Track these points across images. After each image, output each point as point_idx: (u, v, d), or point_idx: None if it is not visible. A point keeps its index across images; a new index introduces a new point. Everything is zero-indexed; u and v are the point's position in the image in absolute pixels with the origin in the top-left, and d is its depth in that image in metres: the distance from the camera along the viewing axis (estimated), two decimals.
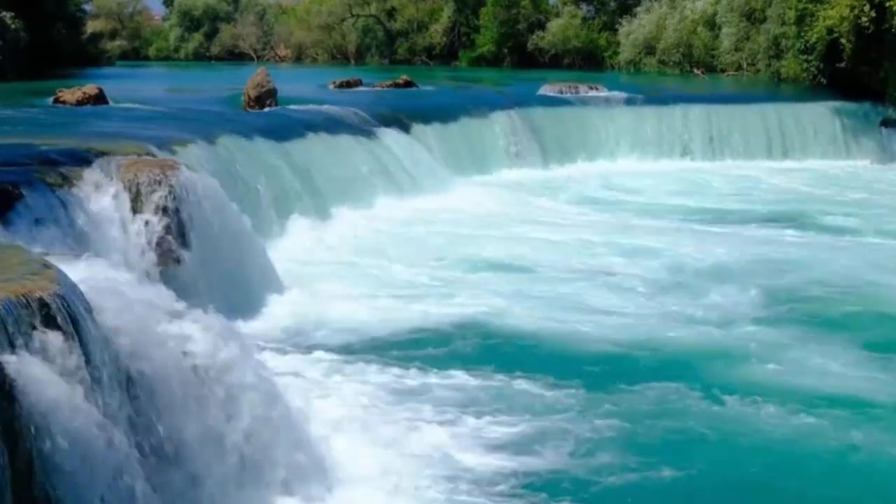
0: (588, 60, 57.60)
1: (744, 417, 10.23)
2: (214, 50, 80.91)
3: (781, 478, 8.99)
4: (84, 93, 24.33)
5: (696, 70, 50.08)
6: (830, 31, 32.31)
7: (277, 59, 75.83)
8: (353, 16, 69.25)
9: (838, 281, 15.82)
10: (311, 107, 25.32)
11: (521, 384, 11.14)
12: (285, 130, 21.40)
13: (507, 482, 8.82)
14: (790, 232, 20.41)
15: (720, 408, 10.49)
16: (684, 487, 8.76)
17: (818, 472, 9.08)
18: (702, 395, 10.78)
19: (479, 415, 10.25)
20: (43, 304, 6.73)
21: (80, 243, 11.20)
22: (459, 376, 11.41)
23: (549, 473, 9.00)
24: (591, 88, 34.00)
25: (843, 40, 32.00)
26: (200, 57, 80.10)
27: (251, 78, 26.05)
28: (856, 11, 30.84)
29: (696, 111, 31.46)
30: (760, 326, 13.39)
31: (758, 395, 10.70)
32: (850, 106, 32.04)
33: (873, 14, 30.47)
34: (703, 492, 8.77)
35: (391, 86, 34.73)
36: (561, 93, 33.32)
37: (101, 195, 12.26)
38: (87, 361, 6.87)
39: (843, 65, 32.56)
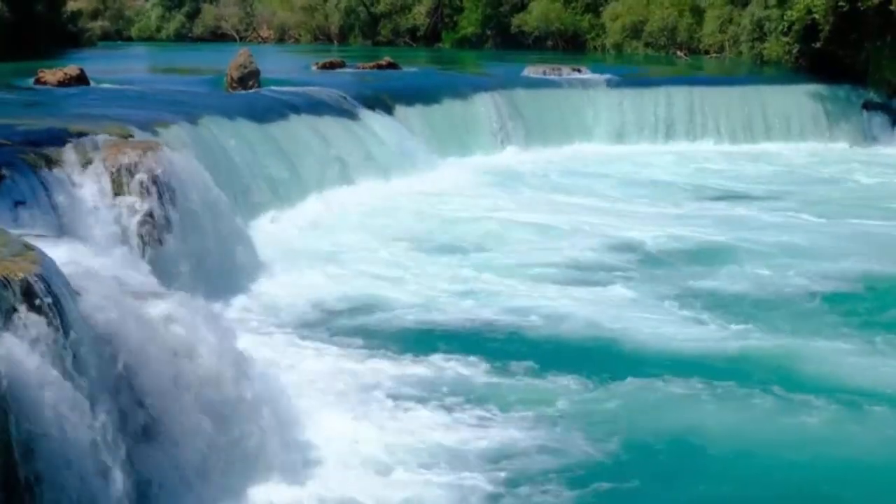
0: (571, 43, 57.51)
1: None
2: (196, 31, 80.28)
3: None
4: (65, 73, 24.22)
5: (679, 52, 50.17)
6: (809, 11, 32.28)
7: (260, 39, 75.28)
8: None
9: None
10: (294, 88, 25.23)
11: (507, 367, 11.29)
12: (268, 112, 21.35)
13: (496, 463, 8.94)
14: None
15: None
16: None
17: None
18: None
19: (448, 396, 10.32)
20: (24, 286, 6.75)
21: (62, 225, 11.20)
22: (437, 356, 11.50)
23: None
24: (575, 70, 34.03)
25: (818, 18, 31.88)
26: (182, 38, 79.49)
27: (234, 59, 25.93)
28: None
29: (679, 93, 31.47)
30: None
31: None
32: (830, 88, 32.08)
33: None
34: None
35: (374, 67, 34.63)
36: (545, 74, 33.33)
37: (82, 177, 12.25)
38: (69, 342, 6.90)
39: (818, 45, 32.48)
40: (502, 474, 8.69)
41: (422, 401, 10.18)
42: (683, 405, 10.22)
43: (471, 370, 11.11)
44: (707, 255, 16.48)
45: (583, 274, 15.26)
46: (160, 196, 12.57)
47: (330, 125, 22.50)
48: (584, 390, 10.57)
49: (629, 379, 10.81)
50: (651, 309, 13.48)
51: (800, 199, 22.08)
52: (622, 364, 11.32)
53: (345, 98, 24.63)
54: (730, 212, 20.66)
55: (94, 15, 76.94)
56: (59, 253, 7.88)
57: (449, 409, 10.00)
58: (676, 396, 10.40)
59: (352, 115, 23.65)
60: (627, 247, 16.94)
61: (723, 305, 13.60)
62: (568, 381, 10.76)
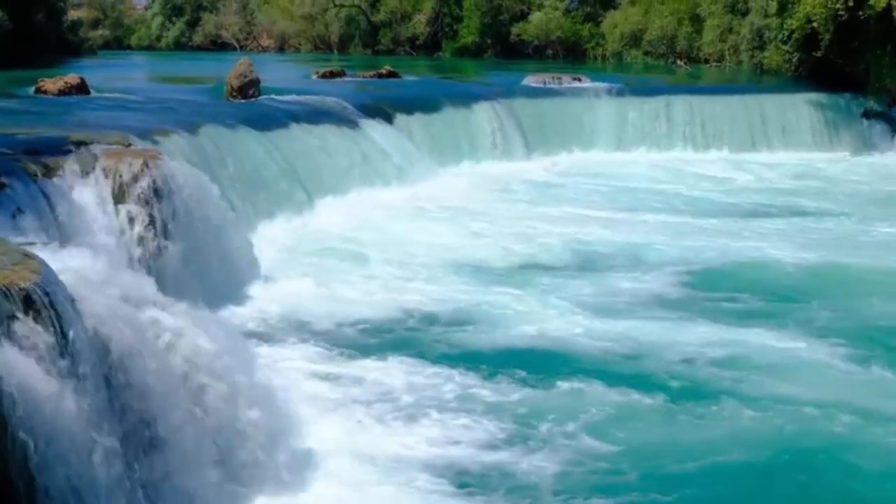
0: (571, 51, 57.69)
1: None
2: (197, 39, 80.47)
3: None
4: (66, 82, 24.17)
5: (679, 61, 50.29)
6: (809, 19, 32.31)
7: (260, 48, 75.49)
8: (336, 6, 68.99)
9: None
10: (294, 97, 25.24)
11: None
12: (268, 121, 21.34)
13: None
14: None
15: None
16: None
17: None
18: None
19: (446, 408, 10.26)
20: (24, 294, 6.72)
21: (62, 233, 11.18)
22: (434, 366, 11.48)
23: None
24: (575, 79, 34.09)
25: (818, 27, 31.88)
26: (182, 46, 79.68)
27: (234, 68, 25.90)
28: None
29: (679, 102, 31.48)
30: None
31: None
32: (830, 97, 32.10)
33: (850, 3, 30.46)
34: None
35: (374, 76, 34.68)
36: (545, 83, 33.35)
37: (82, 185, 12.24)
38: (69, 351, 6.87)
39: (818, 54, 32.51)
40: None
41: (439, 416, 10.06)
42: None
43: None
44: (847, 282, 15.36)
45: (700, 304, 14.14)
46: (161, 204, 12.57)
47: (330, 134, 22.50)
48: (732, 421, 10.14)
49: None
50: (794, 343, 12.47)
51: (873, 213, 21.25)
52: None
53: (345, 107, 24.65)
54: (820, 227, 19.81)
55: (95, 24, 77.07)
56: (60, 262, 7.85)
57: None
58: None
59: (352, 124, 23.65)
60: (737, 272, 15.86)
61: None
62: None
